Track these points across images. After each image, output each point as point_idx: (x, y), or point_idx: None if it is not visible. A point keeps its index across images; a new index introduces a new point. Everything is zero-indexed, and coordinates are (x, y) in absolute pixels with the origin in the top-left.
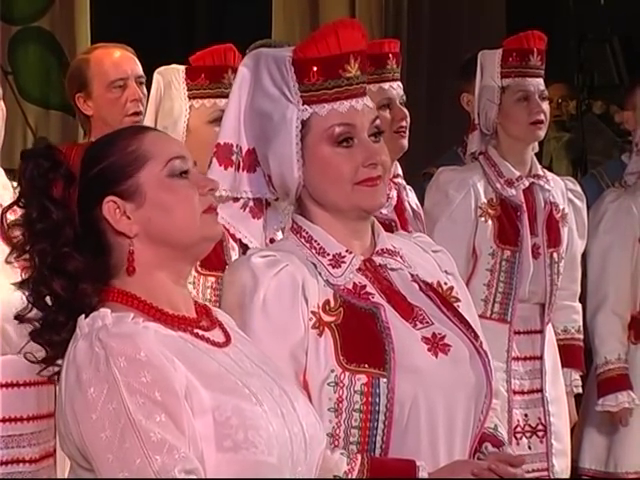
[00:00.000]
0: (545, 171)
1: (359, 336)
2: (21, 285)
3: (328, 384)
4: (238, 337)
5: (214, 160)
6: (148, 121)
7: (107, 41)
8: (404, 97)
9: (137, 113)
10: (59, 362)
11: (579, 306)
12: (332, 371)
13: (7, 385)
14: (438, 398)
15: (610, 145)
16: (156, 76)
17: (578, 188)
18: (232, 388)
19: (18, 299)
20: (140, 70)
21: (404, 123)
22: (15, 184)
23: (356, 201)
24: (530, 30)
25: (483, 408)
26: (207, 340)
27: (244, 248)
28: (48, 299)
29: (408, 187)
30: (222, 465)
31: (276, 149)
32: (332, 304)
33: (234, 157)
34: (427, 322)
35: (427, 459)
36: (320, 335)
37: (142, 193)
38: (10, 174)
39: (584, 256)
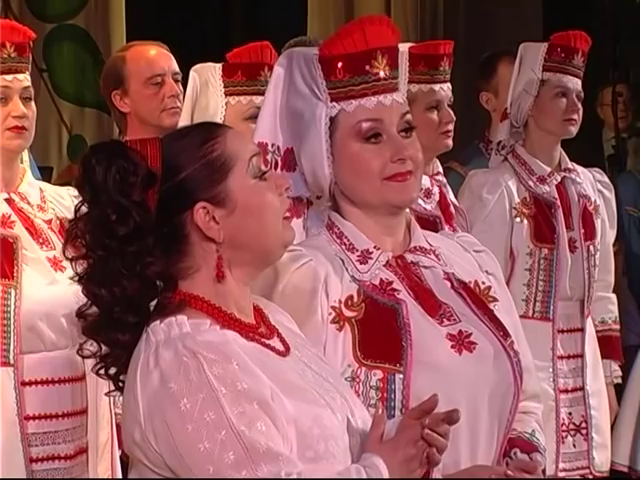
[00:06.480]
0: (574, 165)
1: (378, 332)
2: (81, 280)
3: (345, 379)
4: (293, 341)
5: None
6: (184, 118)
7: (142, 39)
8: (452, 99)
9: (175, 108)
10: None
11: (614, 297)
12: (349, 366)
13: (43, 382)
14: (460, 396)
15: None
16: (192, 73)
17: (606, 179)
18: (311, 398)
19: (48, 296)
20: (176, 67)
21: (451, 127)
22: (44, 184)
23: (385, 196)
24: (571, 30)
25: (511, 409)
26: (272, 349)
27: None
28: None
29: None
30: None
31: (307, 147)
32: (355, 299)
33: (269, 156)
34: (454, 319)
35: (446, 458)
36: (340, 330)
37: (233, 199)
38: (46, 171)
39: None
